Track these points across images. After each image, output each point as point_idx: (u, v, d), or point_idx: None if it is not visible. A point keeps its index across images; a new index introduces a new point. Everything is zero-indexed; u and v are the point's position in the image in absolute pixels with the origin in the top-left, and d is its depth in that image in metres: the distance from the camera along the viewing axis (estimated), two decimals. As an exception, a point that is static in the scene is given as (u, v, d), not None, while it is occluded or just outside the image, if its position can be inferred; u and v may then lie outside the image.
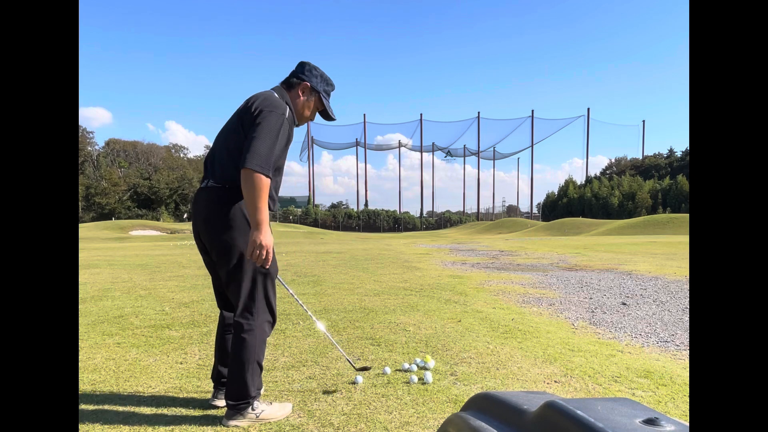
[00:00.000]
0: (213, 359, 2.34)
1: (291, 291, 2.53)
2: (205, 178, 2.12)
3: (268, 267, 2.00)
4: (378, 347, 3.17)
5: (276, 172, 2.02)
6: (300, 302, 2.59)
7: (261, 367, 2.06)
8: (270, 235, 1.93)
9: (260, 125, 1.93)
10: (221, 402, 2.16)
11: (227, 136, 2.09)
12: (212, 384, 2.31)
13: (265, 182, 1.88)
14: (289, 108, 2.09)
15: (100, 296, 5.41)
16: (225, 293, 2.18)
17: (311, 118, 2.28)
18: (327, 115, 2.28)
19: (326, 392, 2.37)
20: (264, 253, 1.89)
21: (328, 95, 2.27)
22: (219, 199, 2.02)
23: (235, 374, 2.00)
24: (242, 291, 2.02)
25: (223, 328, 2.24)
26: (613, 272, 7.81)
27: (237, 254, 2.00)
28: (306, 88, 2.18)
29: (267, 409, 2.06)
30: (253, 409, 2.02)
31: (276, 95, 2.10)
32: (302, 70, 2.19)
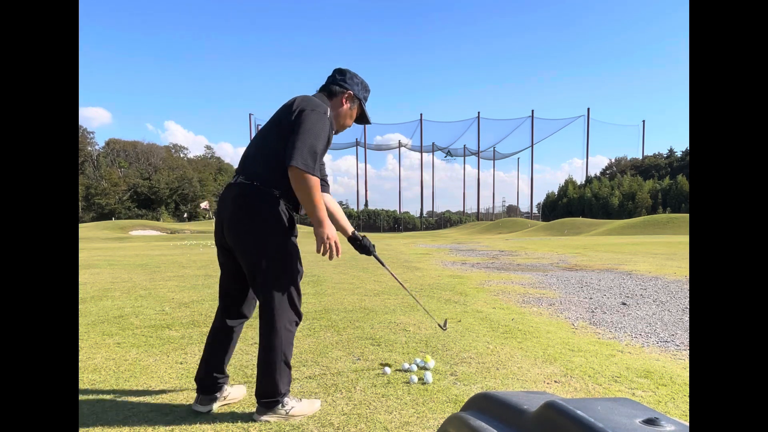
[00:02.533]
0: (216, 364, 2.27)
1: (389, 269, 2.64)
2: (236, 175, 2.10)
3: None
4: (378, 347, 3.17)
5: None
6: (397, 278, 2.78)
7: (289, 366, 2.05)
8: (334, 229, 1.98)
9: (303, 123, 1.92)
10: (205, 408, 2.12)
11: (264, 135, 2.09)
12: (206, 388, 2.16)
13: (314, 180, 1.89)
14: (330, 110, 2.08)
15: (100, 296, 5.41)
16: (234, 295, 2.16)
17: (350, 126, 2.28)
18: (366, 119, 2.30)
19: (326, 392, 2.37)
20: (333, 245, 1.96)
21: (366, 101, 2.28)
22: (247, 195, 1.99)
23: (265, 374, 2.01)
24: (268, 291, 1.99)
25: (217, 330, 2.18)
26: (613, 272, 7.81)
27: (263, 252, 1.98)
28: (350, 97, 2.18)
29: (297, 405, 2.07)
30: (283, 406, 2.04)
31: (317, 99, 2.08)
32: (344, 78, 2.17)
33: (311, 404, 2.14)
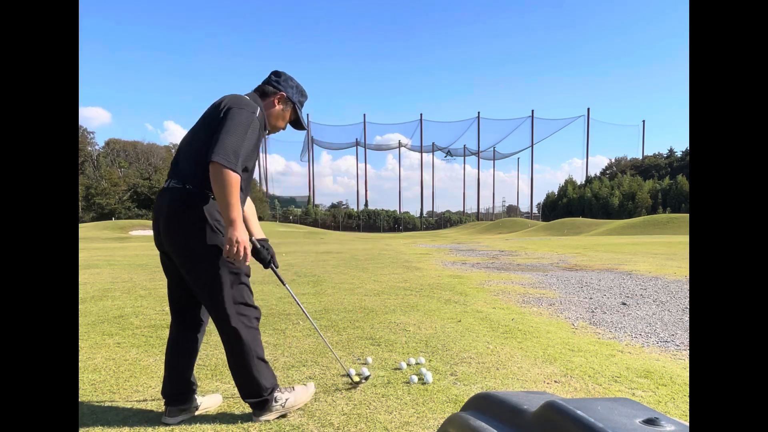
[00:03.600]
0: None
1: (291, 291, 2.46)
2: (168, 179, 2.03)
3: (248, 263, 1.95)
4: (378, 347, 3.17)
5: (245, 174, 1.97)
6: (299, 303, 2.45)
7: (265, 361, 2.03)
8: (245, 231, 1.86)
9: (229, 121, 1.88)
10: (174, 419, 2.04)
11: (193, 136, 2.03)
12: (172, 400, 2.07)
13: (234, 177, 1.81)
14: (261, 110, 2.04)
15: (100, 296, 5.41)
16: (184, 303, 2.09)
17: (283, 128, 2.24)
18: (300, 125, 2.26)
19: (326, 392, 2.37)
20: (241, 249, 1.83)
21: (302, 105, 2.24)
22: (181, 200, 1.93)
23: (243, 377, 1.98)
24: (214, 296, 1.93)
25: (174, 341, 2.10)
26: (613, 272, 7.81)
27: (202, 258, 1.91)
28: (282, 98, 2.15)
29: (290, 396, 2.06)
30: (276, 401, 2.02)
31: (247, 98, 2.05)
32: (278, 80, 2.15)
33: (305, 390, 2.12)
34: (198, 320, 2.12)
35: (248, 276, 2.04)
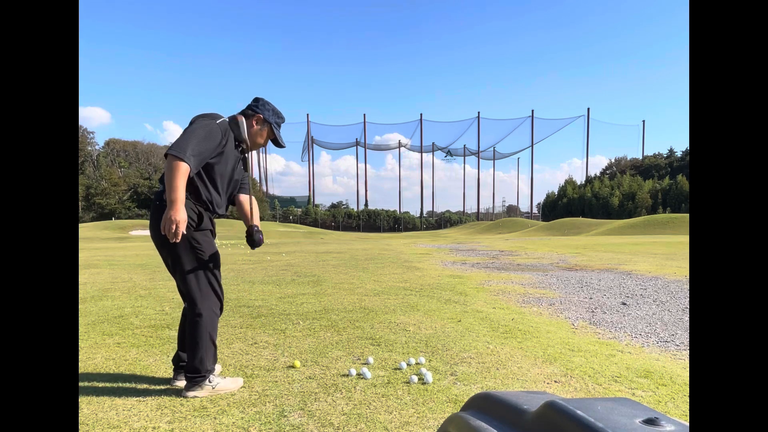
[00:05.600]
0: (181, 346, 2.56)
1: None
2: (160, 182, 2.37)
3: (215, 251, 2.37)
4: (378, 347, 3.17)
5: (213, 169, 2.30)
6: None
7: (214, 345, 2.37)
8: (183, 212, 2.12)
9: (188, 127, 2.28)
10: (181, 383, 2.44)
11: None
12: (177, 366, 2.52)
13: (180, 165, 2.10)
14: (226, 121, 2.37)
15: (100, 296, 5.41)
16: (178, 288, 2.43)
17: (264, 145, 2.59)
18: (277, 143, 2.59)
19: (326, 392, 2.37)
20: (173, 227, 2.09)
21: (279, 126, 2.56)
22: (159, 200, 2.28)
23: (192, 353, 2.31)
24: (187, 282, 2.30)
25: (182, 318, 2.50)
26: (613, 272, 7.81)
27: (171, 249, 2.26)
28: (259, 120, 2.48)
29: (222, 382, 2.37)
30: (209, 382, 2.33)
31: (216, 113, 2.40)
32: (256, 105, 2.49)
33: (234, 381, 2.43)
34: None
35: (217, 266, 2.41)
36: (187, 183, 2.19)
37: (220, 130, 2.30)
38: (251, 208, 2.61)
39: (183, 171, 2.12)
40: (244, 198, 2.62)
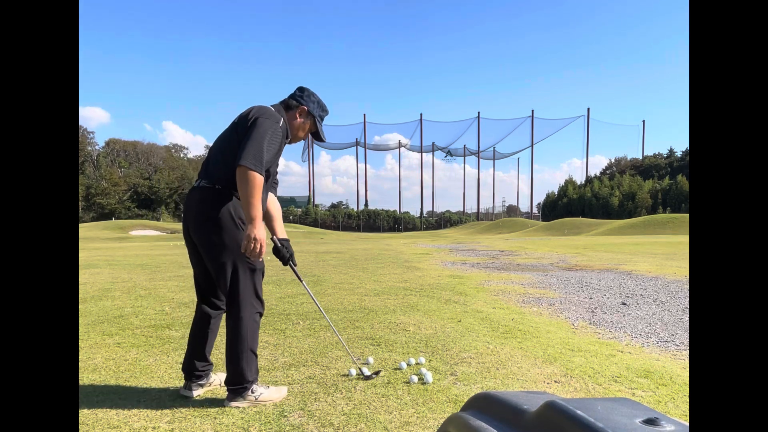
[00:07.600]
0: (198, 352, 2.40)
1: (309, 290, 2.72)
2: (199, 179, 2.26)
3: (261, 258, 2.16)
4: (378, 347, 3.17)
5: (266, 176, 2.15)
6: (314, 298, 2.75)
7: (255, 354, 2.23)
8: (263, 229, 2.06)
9: (256, 129, 2.09)
10: (192, 393, 2.30)
11: (222, 141, 2.24)
12: (192, 375, 2.33)
13: (258, 179, 2.00)
14: (284, 120, 2.24)
15: (100, 296, 5.41)
16: (206, 289, 2.32)
17: (304, 138, 2.47)
18: (319, 137, 2.47)
19: (326, 392, 2.37)
20: (258, 246, 2.03)
21: (322, 119, 2.45)
22: (209, 199, 2.16)
23: (233, 363, 2.17)
24: (231, 286, 2.16)
25: (197, 321, 2.35)
26: (613, 272, 7.81)
27: (224, 251, 2.13)
28: (303, 112, 2.35)
29: (265, 392, 2.23)
30: (252, 392, 2.19)
31: (272, 109, 2.25)
32: (301, 95, 2.36)
33: (278, 391, 2.29)
34: (218, 306, 2.34)
35: (263, 272, 2.27)
36: (233, 181, 2.08)
37: (282, 132, 2.19)
38: (276, 214, 2.44)
39: (260, 185, 2.00)
40: (271, 199, 2.42)
